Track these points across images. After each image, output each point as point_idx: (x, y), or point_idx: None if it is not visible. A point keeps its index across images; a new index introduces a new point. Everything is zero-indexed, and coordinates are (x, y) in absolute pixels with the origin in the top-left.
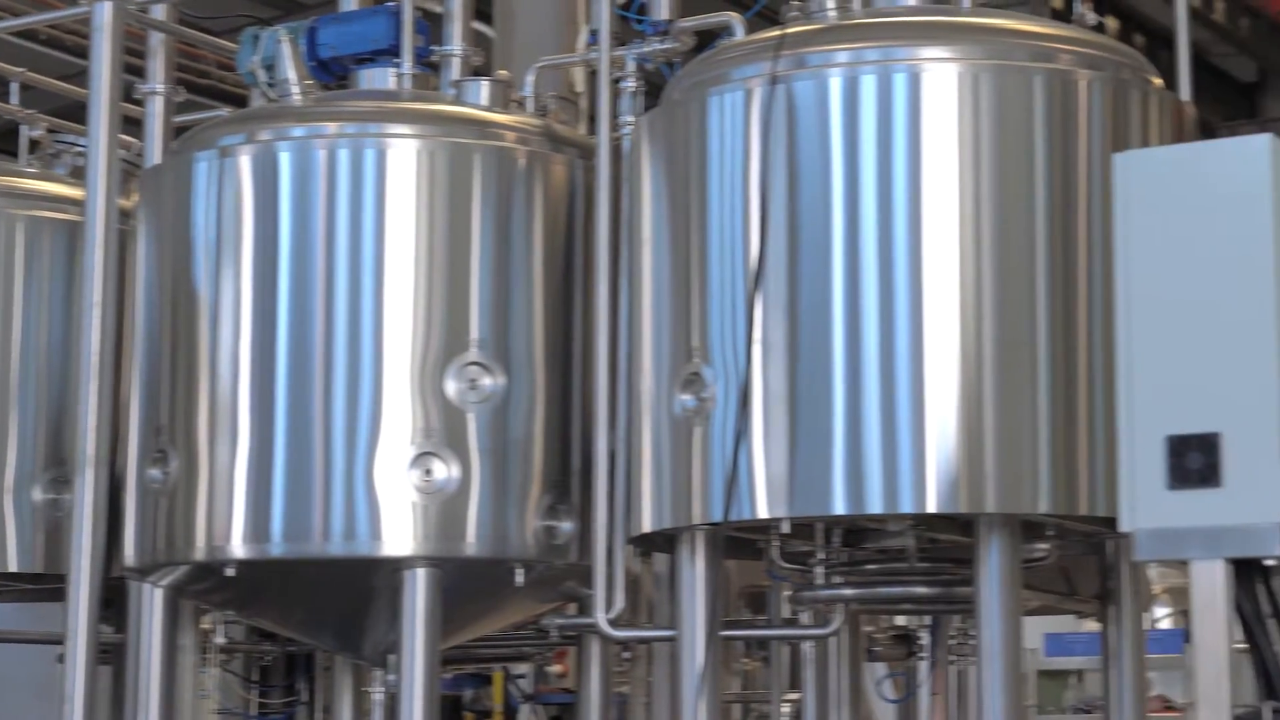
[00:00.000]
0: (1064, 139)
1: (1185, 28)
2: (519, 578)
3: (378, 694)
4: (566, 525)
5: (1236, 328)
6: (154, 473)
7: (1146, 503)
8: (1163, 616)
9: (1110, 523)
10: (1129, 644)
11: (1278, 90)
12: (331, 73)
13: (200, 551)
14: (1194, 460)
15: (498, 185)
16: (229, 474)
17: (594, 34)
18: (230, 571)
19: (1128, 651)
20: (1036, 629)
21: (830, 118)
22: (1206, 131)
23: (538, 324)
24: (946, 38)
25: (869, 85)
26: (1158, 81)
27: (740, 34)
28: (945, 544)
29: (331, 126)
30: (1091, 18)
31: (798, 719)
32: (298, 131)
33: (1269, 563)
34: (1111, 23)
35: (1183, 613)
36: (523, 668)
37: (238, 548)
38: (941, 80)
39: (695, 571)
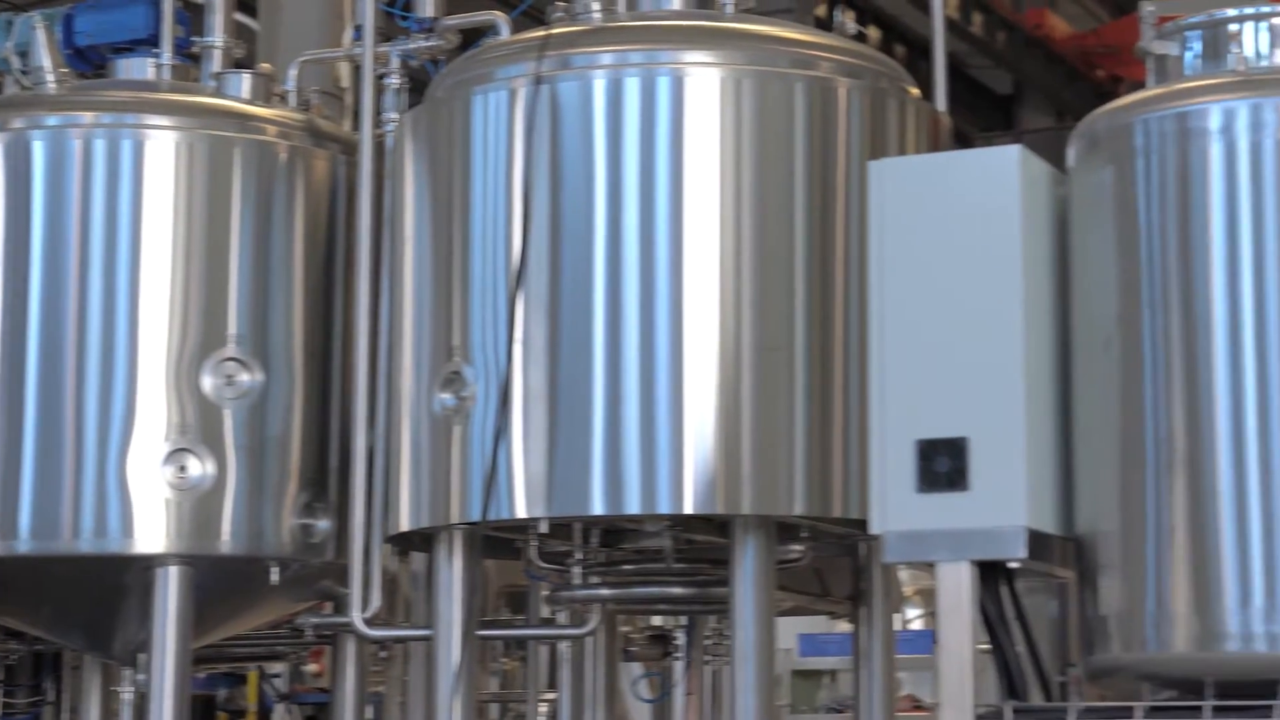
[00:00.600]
0: (823, 145)
1: (941, 39)
2: (274, 576)
3: (127, 694)
4: (323, 523)
5: (985, 334)
6: None
7: (896, 506)
8: (915, 618)
9: (863, 525)
10: (879, 644)
11: (1034, 102)
12: (89, 61)
13: None
14: (942, 464)
15: (258, 179)
16: None
17: (358, 29)
18: None
19: (878, 652)
20: (791, 629)
21: (594, 119)
22: (963, 141)
23: (297, 320)
24: (710, 42)
25: (632, 88)
26: (915, 91)
27: (505, 33)
28: (702, 544)
29: (87, 116)
30: (852, 27)
31: (554, 719)
32: (52, 120)
33: (1013, 565)
34: (873, 33)
35: (934, 614)
36: (278, 667)
37: None
38: (704, 84)
39: (452, 571)
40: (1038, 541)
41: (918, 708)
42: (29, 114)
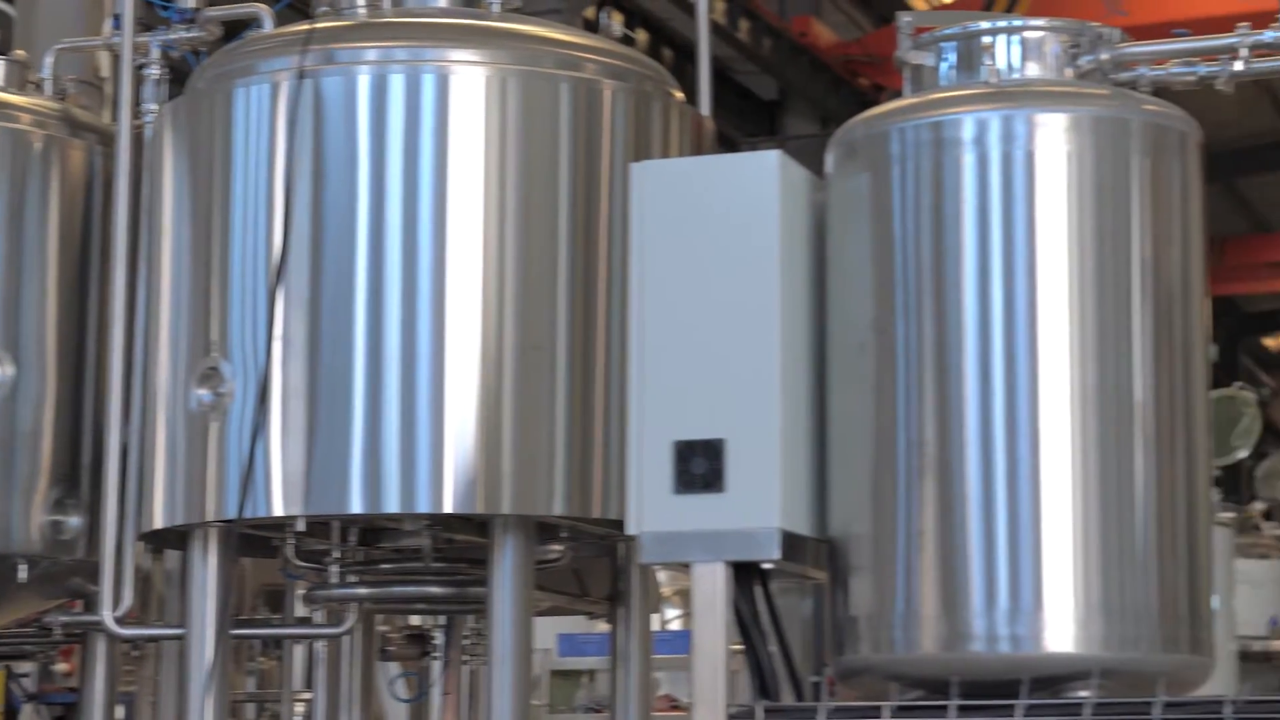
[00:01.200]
0: (588, 146)
1: (706, 43)
2: (22, 573)
3: None
4: (75, 520)
5: (742, 337)
6: None
7: (653, 507)
8: (674, 618)
9: (622, 526)
10: (636, 645)
11: (798, 109)
12: None
13: None
14: (699, 466)
15: (11, 169)
16: None
17: (118, 19)
18: None
19: (635, 652)
20: (551, 629)
21: (357, 115)
22: (728, 146)
23: (50, 313)
24: (475, 41)
25: (397, 84)
26: (679, 95)
27: (269, 26)
28: (461, 544)
29: None
30: (618, 29)
31: (310, 719)
32: None
33: (767, 566)
34: (642, 36)
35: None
36: (26, 666)
37: None
38: (469, 83)
39: (207, 569)
40: (792, 543)
41: (675, 707)
42: None
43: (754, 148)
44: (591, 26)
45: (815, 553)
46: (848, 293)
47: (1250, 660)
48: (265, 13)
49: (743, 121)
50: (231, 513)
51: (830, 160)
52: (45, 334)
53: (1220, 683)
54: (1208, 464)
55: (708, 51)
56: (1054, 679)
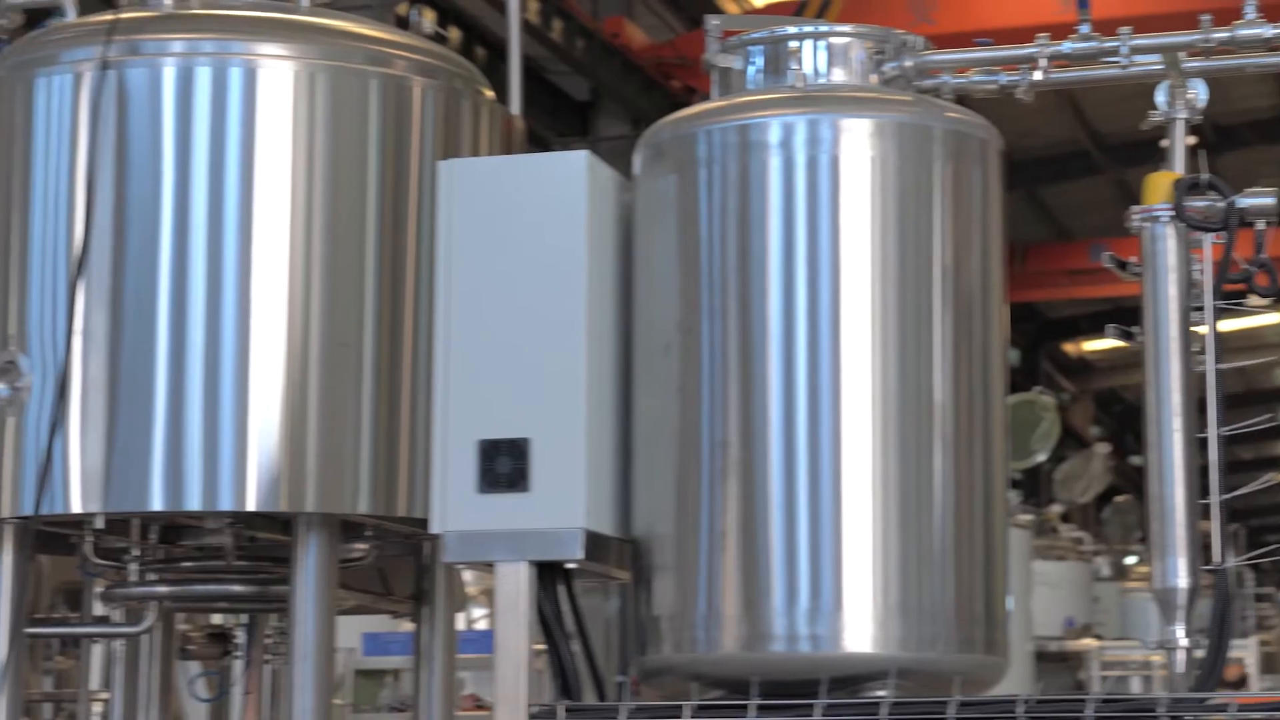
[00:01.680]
0: (397, 143)
1: (517, 42)
2: None
3: None
4: None
5: (549, 337)
6: None
7: (456, 506)
8: (480, 618)
9: (427, 525)
10: (441, 644)
11: (611, 110)
12: None
13: None
14: (504, 465)
15: None
16: None
17: None
18: None
19: (439, 651)
20: (356, 628)
21: (162, 108)
22: (541, 146)
23: None
24: (284, 35)
25: (204, 77)
26: (490, 93)
27: (72, 15)
28: (264, 542)
29: None
30: (429, 26)
31: (107, 718)
32: None
33: (570, 566)
34: (454, 34)
35: None
36: None
37: None
38: (277, 77)
39: (2, 567)
40: (596, 543)
41: (479, 707)
42: None
43: (566, 148)
44: (403, 23)
45: (619, 552)
46: (654, 294)
47: (1047, 660)
48: (68, 1)
49: (555, 122)
50: (28, 509)
51: (638, 161)
52: None
53: (1016, 682)
54: (1004, 467)
55: (519, 50)
56: (853, 678)
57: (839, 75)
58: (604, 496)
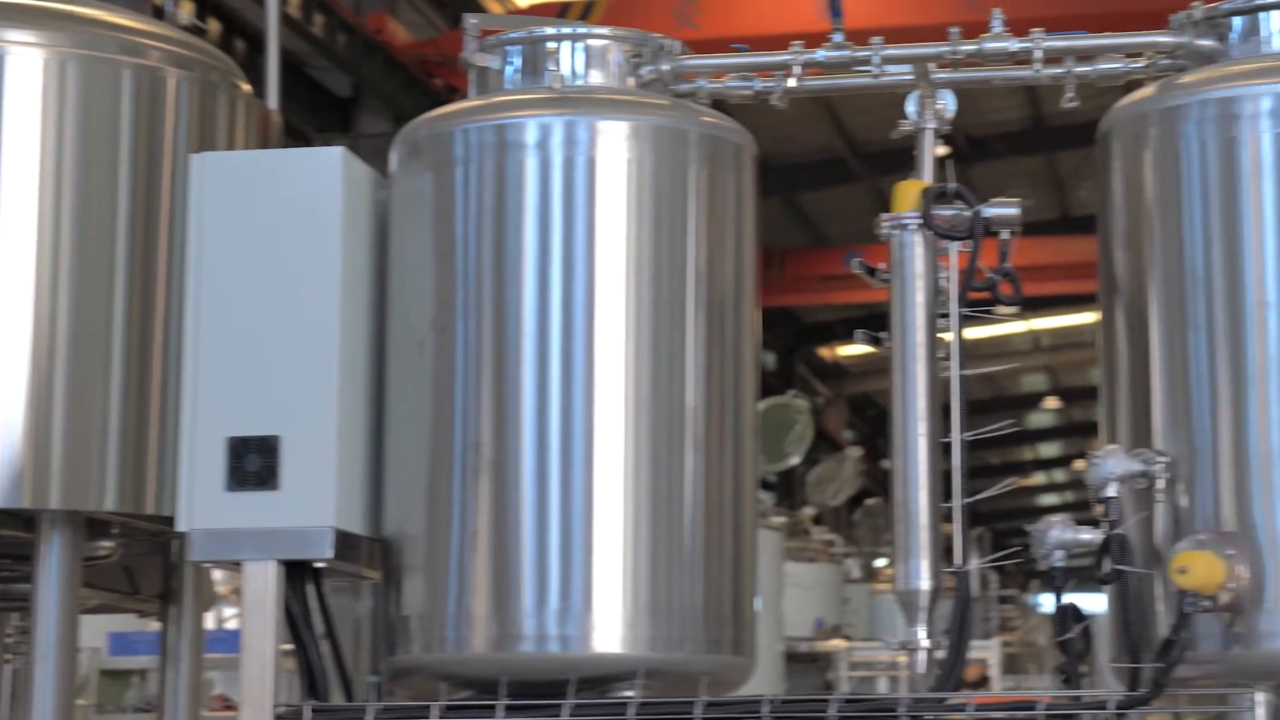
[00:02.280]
0: (150, 135)
1: (275, 36)
2: None
3: None
4: None
5: (301, 334)
6: None
7: (204, 503)
8: (231, 617)
9: (175, 522)
10: (188, 643)
11: (373, 107)
12: None
13: None
14: (253, 462)
15: None
16: None
17: None
18: None
19: (186, 651)
20: (101, 628)
21: None
22: (302, 141)
23: None
24: (34, 22)
25: None
26: (246, 87)
27: None
28: (6, 539)
29: None
30: (185, 17)
31: None
32: None
33: (319, 565)
34: (214, 26)
35: None
36: None
37: None
38: (26, 64)
39: None
40: (346, 542)
41: (228, 707)
42: None
43: (327, 144)
44: (160, 13)
45: (370, 552)
46: (409, 292)
47: (797, 660)
48: None
49: (316, 118)
50: None
51: (394, 159)
52: None
53: (765, 682)
54: (754, 469)
55: (277, 44)
56: (602, 679)
57: (596, 77)
58: (355, 495)
